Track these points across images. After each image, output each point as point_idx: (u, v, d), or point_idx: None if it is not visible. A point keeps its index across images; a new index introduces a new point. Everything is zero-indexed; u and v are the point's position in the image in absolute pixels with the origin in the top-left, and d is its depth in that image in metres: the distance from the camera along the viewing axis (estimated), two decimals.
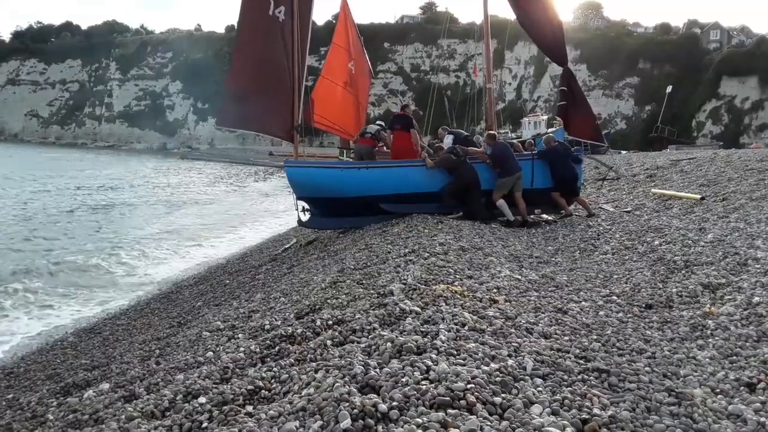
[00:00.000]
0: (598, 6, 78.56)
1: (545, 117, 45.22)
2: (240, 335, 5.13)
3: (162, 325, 7.33)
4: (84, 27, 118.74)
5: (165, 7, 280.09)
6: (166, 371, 4.42)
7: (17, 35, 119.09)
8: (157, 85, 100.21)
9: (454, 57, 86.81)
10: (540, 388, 3.06)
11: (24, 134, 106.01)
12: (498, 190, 10.85)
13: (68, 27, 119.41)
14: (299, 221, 12.26)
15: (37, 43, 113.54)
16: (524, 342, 3.79)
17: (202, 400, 3.38)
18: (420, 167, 11.39)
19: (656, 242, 7.55)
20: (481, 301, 4.64)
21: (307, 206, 12.09)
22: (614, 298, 5.39)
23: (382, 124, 13.51)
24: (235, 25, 11.83)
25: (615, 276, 6.31)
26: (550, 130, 42.07)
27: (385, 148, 12.89)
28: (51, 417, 4.18)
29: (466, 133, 14.25)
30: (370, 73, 17.05)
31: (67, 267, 13.22)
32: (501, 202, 10.85)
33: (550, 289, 5.61)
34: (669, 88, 51.23)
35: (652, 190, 12.87)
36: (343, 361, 3.46)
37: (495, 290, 5.09)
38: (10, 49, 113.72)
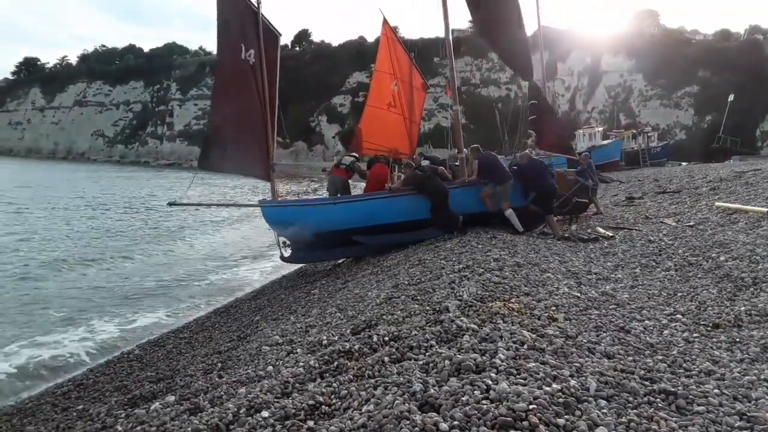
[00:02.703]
0: (655, 13, 76.42)
1: (600, 129, 44.15)
2: (298, 350, 5.21)
3: (222, 338, 7.53)
4: (146, 50, 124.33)
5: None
6: (228, 384, 4.54)
7: (83, 59, 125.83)
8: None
9: (505, 70, 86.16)
10: (605, 410, 3.00)
11: (90, 153, 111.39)
12: (500, 199, 11.02)
13: (131, 50, 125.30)
14: (281, 257, 12.78)
15: (102, 65, 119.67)
16: (586, 362, 3.71)
17: (265, 414, 3.45)
18: (389, 198, 11.79)
19: (722, 258, 7.25)
20: (539, 319, 4.57)
21: (287, 241, 12.59)
22: (679, 316, 5.20)
23: (356, 156, 13.91)
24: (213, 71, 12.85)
25: (679, 293, 6.09)
26: (605, 142, 41.15)
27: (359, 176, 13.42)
28: (120, 428, 4.33)
29: (443, 158, 14.51)
30: (424, 86, 17.28)
31: (137, 280, 13.83)
32: (510, 212, 11.00)
33: (611, 307, 5.47)
34: (731, 97, 49.11)
35: (716, 203, 12.36)
36: (401, 378, 3.48)
37: (554, 308, 5.01)
38: (77, 72, 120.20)
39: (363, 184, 13.78)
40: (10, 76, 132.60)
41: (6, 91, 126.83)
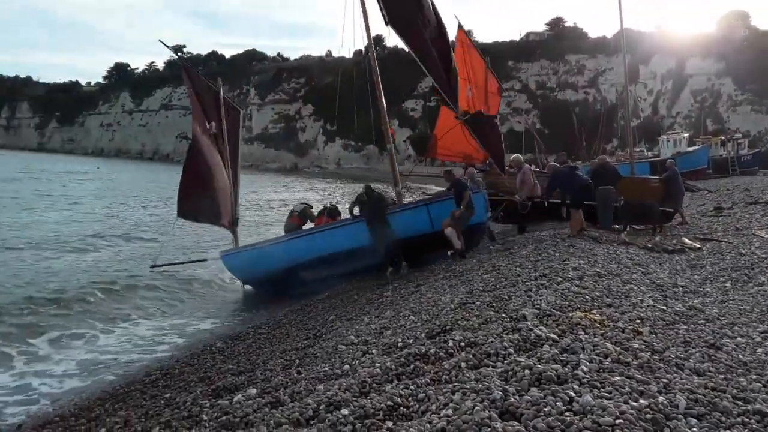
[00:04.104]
0: (745, 15, 71.82)
1: (686, 135, 42.00)
2: (374, 351, 5.29)
3: (299, 336, 7.75)
4: (227, 56, 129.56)
5: (299, 37, 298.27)
6: (307, 381, 4.67)
7: (170, 64, 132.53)
8: (291, 109, 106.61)
9: (583, 73, 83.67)
10: (695, 429, 2.87)
11: (175, 155, 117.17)
12: (453, 219, 11.22)
13: (214, 56, 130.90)
14: None
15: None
16: (674, 378, 3.56)
17: (345, 411, 3.53)
18: (331, 229, 12.67)
19: None
20: (623, 332, 4.42)
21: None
22: None
23: (308, 203, 14.75)
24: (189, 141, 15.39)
25: None
26: (691, 148, 39.11)
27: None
28: (205, 417, 4.54)
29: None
30: (500, 90, 17.17)
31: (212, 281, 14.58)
32: (449, 231, 11.17)
33: (699, 321, 5.21)
34: None
35: None
36: (480, 385, 3.46)
37: (638, 321, 4.83)
38: (163, 77, 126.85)
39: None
40: (102, 81, 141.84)
41: (98, 95, 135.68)
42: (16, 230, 20.65)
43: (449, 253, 11.53)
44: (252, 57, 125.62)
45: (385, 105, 13.02)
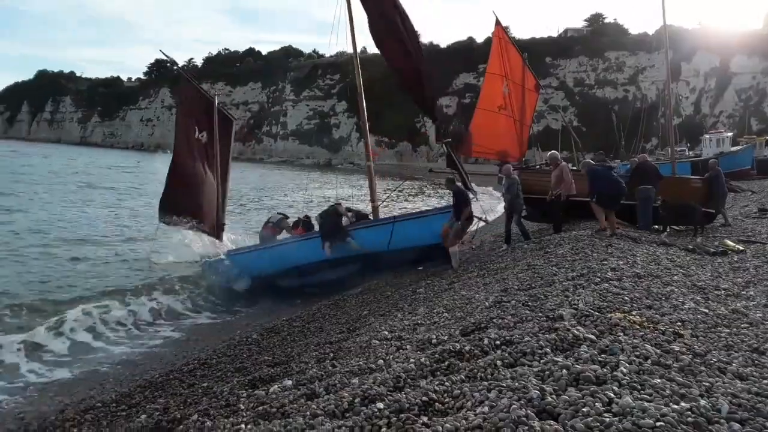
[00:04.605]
0: None
1: (729, 134, 40.72)
2: (407, 346, 5.30)
3: (333, 329, 7.81)
4: (264, 53, 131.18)
5: (335, 33, 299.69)
6: (342, 374, 4.72)
7: (208, 61, 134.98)
8: (325, 105, 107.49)
9: (623, 70, 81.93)
10: None
11: None
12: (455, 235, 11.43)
13: (251, 53, 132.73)
14: None
15: (224, 68, 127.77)
16: (717, 382, 3.48)
17: (380, 405, 3.56)
18: (299, 242, 13.11)
19: None
20: (663, 334, 4.34)
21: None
22: None
23: (284, 214, 15.14)
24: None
25: None
26: (734, 148, 37.92)
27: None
28: (242, 407, 4.62)
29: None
30: (537, 87, 16.94)
31: None
32: (453, 250, 11.41)
33: (743, 326, 5.07)
34: None
35: None
36: (516, 384, 3.45)
37: (679, 323, 4.73)
38: (202, 73, 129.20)
39: None
40: (142, 76, 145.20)
41: (138, 91, 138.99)
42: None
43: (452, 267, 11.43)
44: (288, 54, 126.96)
45: (366, 118, 13.59)
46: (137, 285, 12.71)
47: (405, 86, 12.94)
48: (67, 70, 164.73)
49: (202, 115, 14.79)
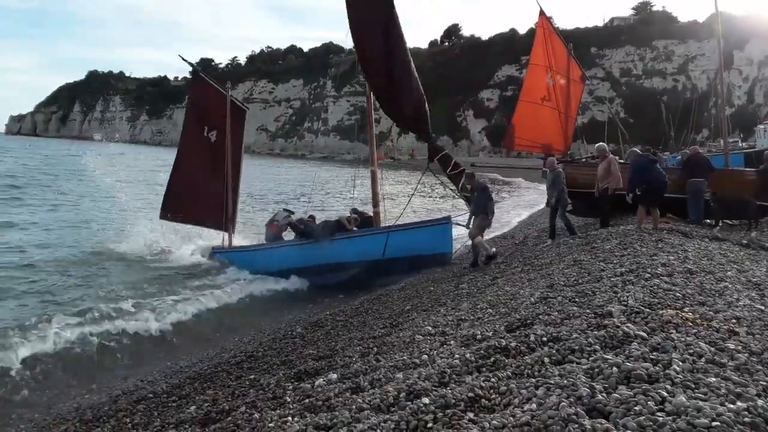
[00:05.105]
0: None
1: None
2: (452, 342, 5.28)
3: (376, 324, 7.85)
4: (305, 50, 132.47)
5: None
6: (386, 369, 4.74)
7: (251, 59, 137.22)
8: (366, 101, 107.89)
9: (672, 59, 79.27)
10: None
11: (255, 146, 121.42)
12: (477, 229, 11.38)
13: (292, 50, 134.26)
14: None
15: (267, 65, 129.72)
16: None
17: (425, 400, 3.55)
18: (288, 247, 13.87)
19: None
20: (718, 332, 4.19)
21: None
22: None
23: (290, 211, 15.38)
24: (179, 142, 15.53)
25: None
26: None
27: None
28: (289, 399, 4.70)
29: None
30: (583, 78, 16.54)
31: None
32: (479, 240, 11.38)
33: None
34: None
35: None
36: (565, 381, 3.39)
37: (734, 321, 4.56)
38: (245, 71, 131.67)
39: None
40: (188, 75, 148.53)
41: (185, 89, 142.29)
42: None
43: (481, 260, 11.32)
44: (329, 50, 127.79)
45: (374, 134, 13.79)
46: (180, 278, 13.11)
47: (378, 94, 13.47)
48: (116, 71, 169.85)
49: (213, 113, 15.05)
